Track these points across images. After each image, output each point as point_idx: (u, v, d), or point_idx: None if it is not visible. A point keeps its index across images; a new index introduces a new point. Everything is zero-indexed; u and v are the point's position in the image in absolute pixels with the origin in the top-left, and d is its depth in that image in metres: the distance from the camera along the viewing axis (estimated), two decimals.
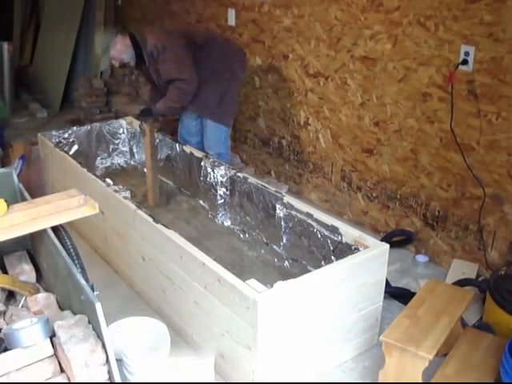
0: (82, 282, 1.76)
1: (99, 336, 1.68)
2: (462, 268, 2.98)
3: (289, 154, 4.06)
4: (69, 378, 1.71)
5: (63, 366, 1.73)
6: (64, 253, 1.95)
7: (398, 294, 2.85)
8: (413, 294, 2.52)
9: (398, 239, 3.30)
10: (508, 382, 2.06)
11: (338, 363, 2.46)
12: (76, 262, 2.09)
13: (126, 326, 2.29)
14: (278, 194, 2.91)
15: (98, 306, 1.62)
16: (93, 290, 1.78)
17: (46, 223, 2.08)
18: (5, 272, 2.32)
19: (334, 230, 2.60)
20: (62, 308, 2.09)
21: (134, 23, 5.67)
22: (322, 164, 3.79)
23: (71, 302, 1.96)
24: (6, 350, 1.83)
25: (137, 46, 3.42)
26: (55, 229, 2.19)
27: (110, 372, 1.69)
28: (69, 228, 2.40)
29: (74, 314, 1.93)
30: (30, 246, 2.49)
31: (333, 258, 2.61)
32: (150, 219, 2.62)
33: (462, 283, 2.79)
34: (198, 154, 3.47)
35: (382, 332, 2.57)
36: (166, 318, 2.66)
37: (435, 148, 3.04)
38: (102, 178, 3.13)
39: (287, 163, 4.09)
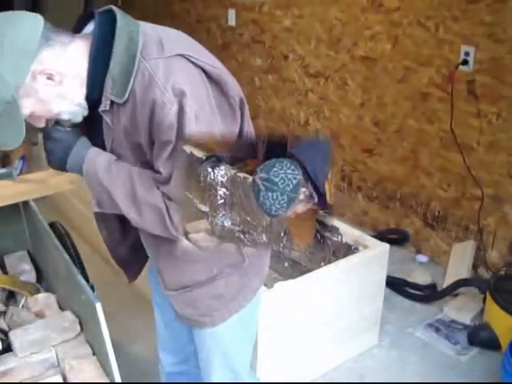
0: (82, 282, 1.76)
1: (99, 336, 1.68)
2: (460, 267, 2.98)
3: None
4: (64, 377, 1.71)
5: None
6: (64, 253, 1.95)
7: (391, 283, 2.82)
8: (407, 283, 2.52)
9: (392, 237, 3.28)
10: (508, 382, 2.06)
11: (338, 363, 2.46)
12: (76, 262, 2.09)
13: None
14: None
15: (99, 306, 1.62)
16: (93, 290, 1.77)
17: (25, 197, 2.22)
18: (5, 272, 2.32)
19: (334, 230, 2.60)
20: (62, 308, 2.09)
21: None
22: None
23: (71, 302, 1.96)
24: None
25: None
26: (55, 229, 2.20)
27: (109, 372, 1.68)
28: (69, 228, 2.41)
29: (74, 314, 1.93)
30: (30, 246, 2.49)
31: (333, 258, 2.61)
32: None
33: (461, 283, 2.79)
34: (198, 153, 3.47)
35: (381, 331, 2.58)
36: None
37: (435, 148, 3.04)
38: None
39: None
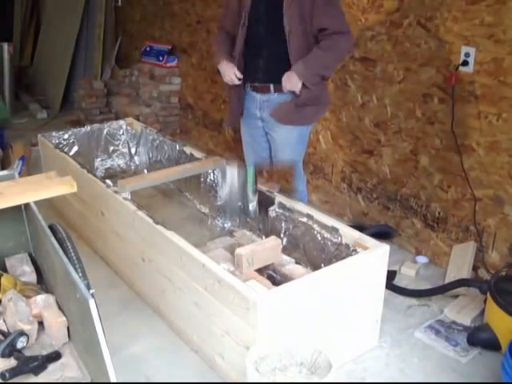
0: (77, 279, 1.75)
1: (93, 333, 1.66)
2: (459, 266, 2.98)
3: None
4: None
5: None
6: (61, 252, 1.95)
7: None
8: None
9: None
10: (508, 382, 2.06)
11: (339, 364, 2.45)
12: (76, 263, 2.09)
13: None
14: (278, 196, 2.91)
15: (92, 303, 1.60)
16: (88, 288, 1.77)
17: (28, 198, 2.18)
18: None
19: (334, 231, 2.60)
20: (61, 308, 2.09)
21: (135, 24, 5.67)
22: (323, 165, 3.79)
23: (69, 301, 1.96)
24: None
25: None
26: (55, 230, 2.20)
27: (104, 371, 1.67)
28: (69, 229, 2.40)
29: (71, 312, 1.92)
30: (30, 248, 2.49)
31: (333, 259, 2.61)
32: (150, 220, 2.62)
33: (461, 283, 2.79)
34: (198, 154, 3.47)
35: (382, 333, 2.58)
36: (166, 319, 2.66)
37: (435, 149, 3.04)
38: (102, 178, 3.13)
39: None
